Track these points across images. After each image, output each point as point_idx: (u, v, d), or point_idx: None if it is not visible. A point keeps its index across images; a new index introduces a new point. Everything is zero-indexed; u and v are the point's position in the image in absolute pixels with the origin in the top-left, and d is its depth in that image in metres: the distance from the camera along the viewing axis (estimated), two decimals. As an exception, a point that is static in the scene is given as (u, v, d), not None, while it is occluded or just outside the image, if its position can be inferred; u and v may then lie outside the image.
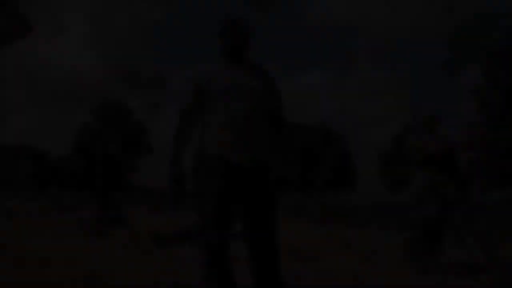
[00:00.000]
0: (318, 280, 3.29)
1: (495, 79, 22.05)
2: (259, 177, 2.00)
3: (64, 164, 56.84)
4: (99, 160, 7.14)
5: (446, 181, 3.51)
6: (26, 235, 5.68)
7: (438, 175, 3.50)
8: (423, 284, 3.21)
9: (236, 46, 2.06)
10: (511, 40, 22.50)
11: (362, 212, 13.03)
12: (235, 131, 1.96)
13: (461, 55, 23.86)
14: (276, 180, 2.07)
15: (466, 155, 3.89)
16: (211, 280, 1.95)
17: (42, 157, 63.19)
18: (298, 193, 46.73)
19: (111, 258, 4.22)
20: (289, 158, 2.24)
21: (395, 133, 63.89)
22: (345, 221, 9.48)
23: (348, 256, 4.49)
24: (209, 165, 1.99)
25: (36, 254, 4.15)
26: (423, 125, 3.76)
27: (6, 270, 3.40)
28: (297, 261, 4.09)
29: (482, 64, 23.06)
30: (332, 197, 31.41)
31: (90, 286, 3.02)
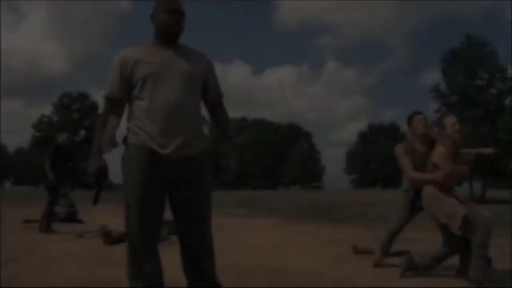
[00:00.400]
0: (267, 280, 3.18)
1: (452, 81, 22.96)
2: (190, 169, 1.85)
3: (20, 158, 54.13)
4: (50, 152, 6.58)
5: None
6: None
7: None
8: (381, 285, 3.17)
9: (170, 23, 1.86)
10: (467, 44, 23.48)
11: (328, 208, 13.16)
12: (162, 119, 1.78)
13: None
14: (212, 171, 1.92)
15: None
16: (136, 278, 1.79)
17: (-2, 150, 60.02)
18: (266, 190, 46.96)
19: (51, 255, 3.96)
20: (233, 148, 2.08)
21: (361, 131, 65.67)
22: (312, 217, 9.51)
23: (308, 254, 4.43)
24: (134, 156, 1.82)
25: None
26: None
27: None
28: (253, 260, 3.98)
29: (441, 66, 23.96)
30: (299, 194, 31.77)
31: (26, 284, 2.80)
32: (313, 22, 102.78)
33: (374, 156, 60.39)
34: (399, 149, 3.37)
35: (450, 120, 3.22)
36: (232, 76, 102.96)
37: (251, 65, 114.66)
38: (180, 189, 1.84)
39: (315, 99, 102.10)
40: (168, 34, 1.88)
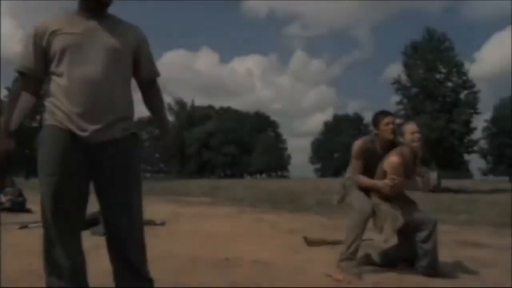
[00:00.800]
0: (213, 270, 3.08)
1: (412, 74, 23.67)
2: (113, 152, 1.66)
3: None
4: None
5: None
6: None
7: None
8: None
9: None
10: (427, 38, 24.23)
11: (290, 197, 13.23)
12: (82, 98, 1.58)
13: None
14: (139, 155, 1.76)
15: None
16: (52, 275, 1.62)
17: None
18: (231, 179, 46.90)
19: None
20: (166, 128, 1.91)
21: (326, 121, 66.84)
22: (273, 206, 9.49)
23: (263, 243, 4.36)
24: (49, 138, 1.62)
25: None
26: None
27: None
28: (204, 249, 3.86)
29: (402, 59, 24.61)
30: (264, 182, 31.89)
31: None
32: (281, 12, 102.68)
33: (338, 146, 61.73)
34: (356, 146, 3.11)
35: (410, 128, 2.99)
36: (200, 64, 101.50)
37: (218, 54, 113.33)
38: (103, 174, 1.66)
39: (282, 89, 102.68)
40: (95, 1, 1.65)
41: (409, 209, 2.99)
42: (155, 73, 1.87)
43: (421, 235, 2.90)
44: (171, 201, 10.18)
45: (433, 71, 23.48)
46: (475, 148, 24.91)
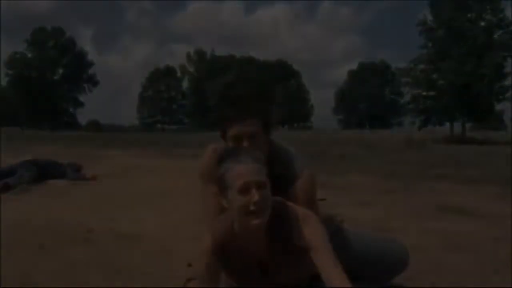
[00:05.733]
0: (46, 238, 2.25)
1: (440, 15, 21.17)
2: None
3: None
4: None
5: None
6: None
7: None
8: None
9: None
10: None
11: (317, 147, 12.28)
12: None
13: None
14: None
15: None
16: None
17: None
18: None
19: None
20: None
21: (352, 71, 63.84)
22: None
23: (173, 208, 3.50)
24: None
25: None
26: None
27: None
28: (78, 216, 3.05)
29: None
30: (287, 133, 30.99)
31: None
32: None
33: (363, 96, 59.18)
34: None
35: (237, 175, 1.17)
36: (225, 14, 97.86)
37: (243, 2, 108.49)
38: None
39: (309, 38, 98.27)
40: None
41: None
42: None
43: None
44: (147, 154, 9.40)
45: (463, 9, 20.85)
46: (507, 95, 22.48)
